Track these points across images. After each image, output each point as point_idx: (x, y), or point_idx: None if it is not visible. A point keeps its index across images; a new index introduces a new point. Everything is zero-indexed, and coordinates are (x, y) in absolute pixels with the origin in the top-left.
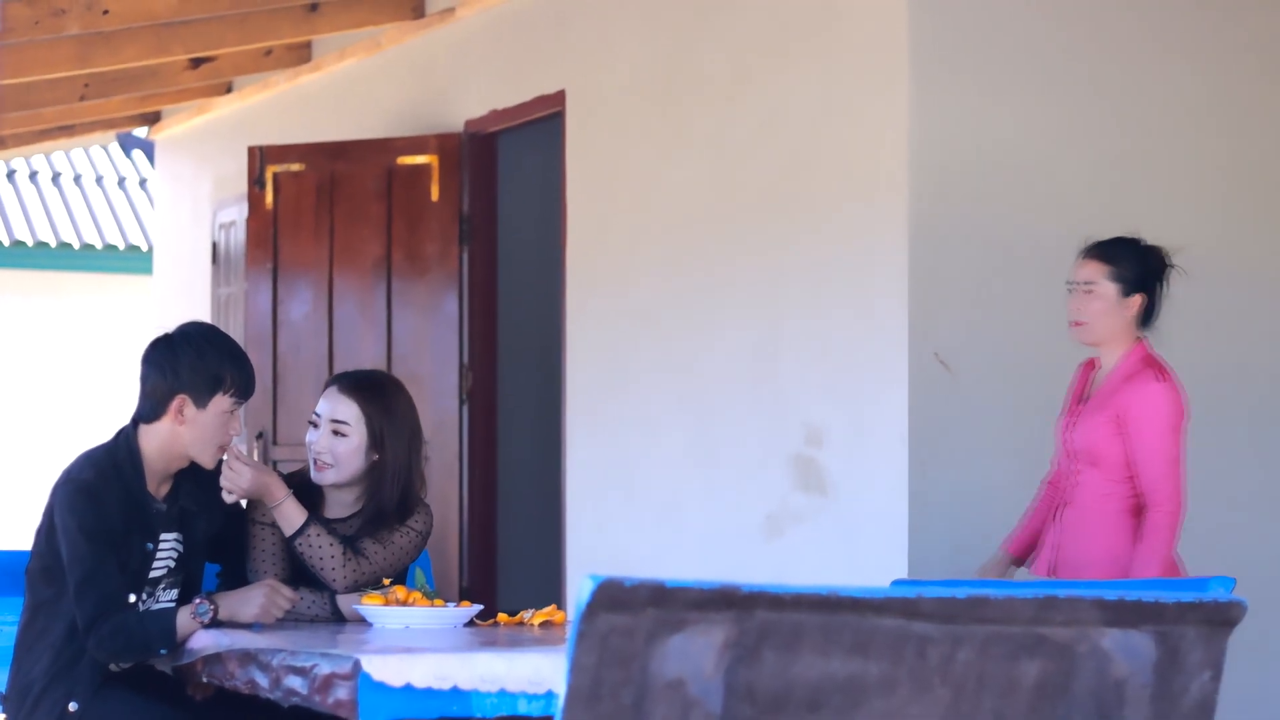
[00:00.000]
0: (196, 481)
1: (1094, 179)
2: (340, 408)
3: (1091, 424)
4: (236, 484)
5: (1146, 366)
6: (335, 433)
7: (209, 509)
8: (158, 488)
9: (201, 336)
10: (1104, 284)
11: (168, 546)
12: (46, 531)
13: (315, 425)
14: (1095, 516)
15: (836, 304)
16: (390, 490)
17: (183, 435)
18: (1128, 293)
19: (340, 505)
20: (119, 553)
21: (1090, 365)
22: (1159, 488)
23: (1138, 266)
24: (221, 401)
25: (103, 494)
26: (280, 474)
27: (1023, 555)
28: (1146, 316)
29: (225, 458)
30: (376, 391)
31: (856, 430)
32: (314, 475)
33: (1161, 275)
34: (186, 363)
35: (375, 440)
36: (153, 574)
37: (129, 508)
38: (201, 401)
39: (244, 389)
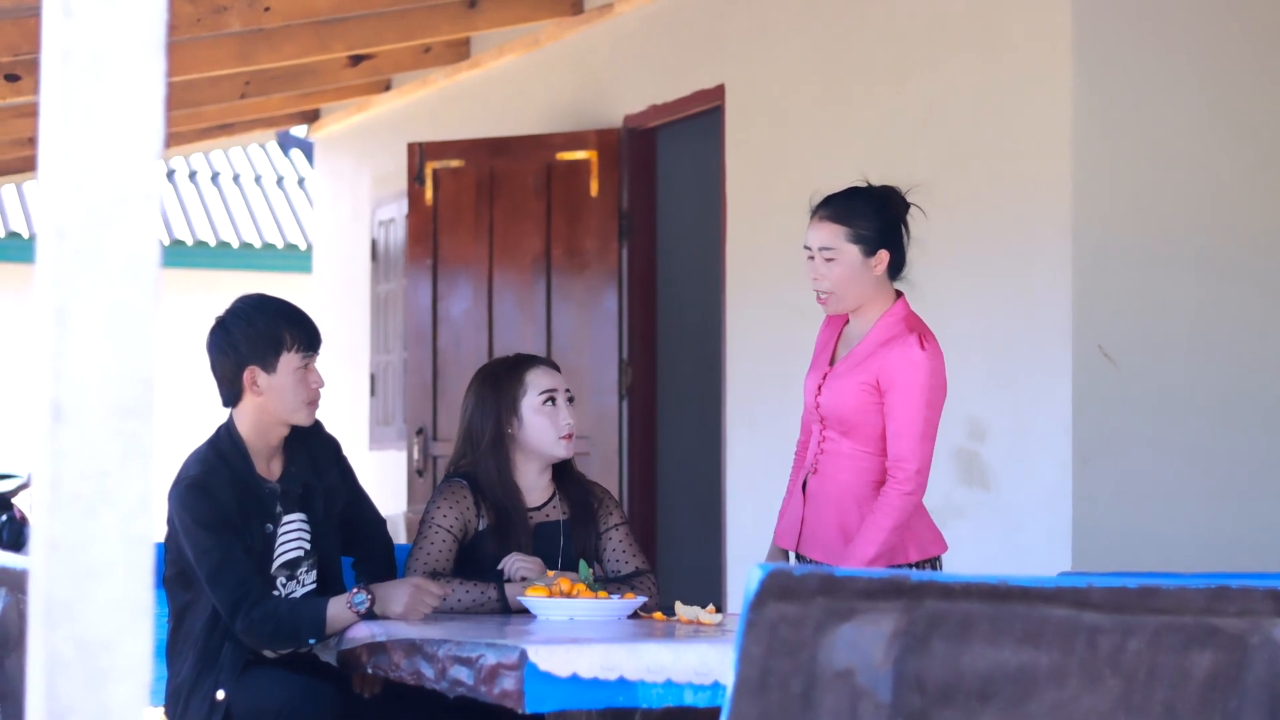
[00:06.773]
0: (308, 455)
1: (1257, 175)
2: (559, 378)
3: (842, 388)
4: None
5: (909, 329)
6: (568, 400)
7: (326, 487)
8: (268, 466)
9: (249, 306)
10: (845, 247)
11: (293, 528)
12: (171, 536)
13: (554, 400)
14: (849, 493)
15: (997, 297)
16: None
17: (266, 405)
18: (871, 251)
19: (537, 491)
20: (241, 538)
21: (841, 320)
22: (906, 461)
23: (876, 220)
24: (290, 360)
25: (212, 485)
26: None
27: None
28: (896, 269)
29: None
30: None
31: (1019, 424)
32: (564, 449)
33: (902, 221)
34: (240, 335)
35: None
36: (289, 556)
37: (241, 493)
38: (270, 366)
39: (307, 341)
